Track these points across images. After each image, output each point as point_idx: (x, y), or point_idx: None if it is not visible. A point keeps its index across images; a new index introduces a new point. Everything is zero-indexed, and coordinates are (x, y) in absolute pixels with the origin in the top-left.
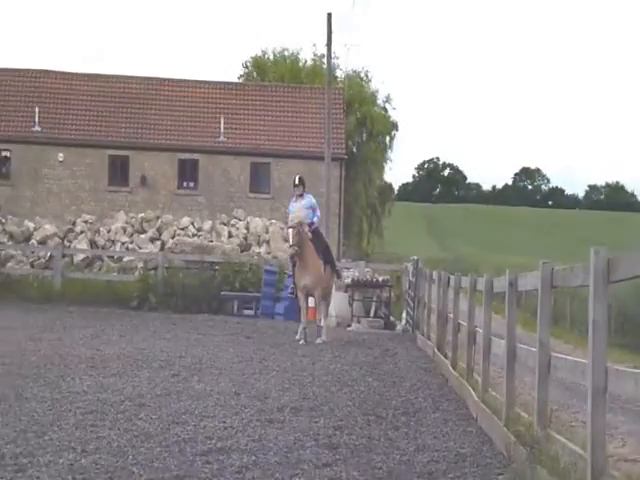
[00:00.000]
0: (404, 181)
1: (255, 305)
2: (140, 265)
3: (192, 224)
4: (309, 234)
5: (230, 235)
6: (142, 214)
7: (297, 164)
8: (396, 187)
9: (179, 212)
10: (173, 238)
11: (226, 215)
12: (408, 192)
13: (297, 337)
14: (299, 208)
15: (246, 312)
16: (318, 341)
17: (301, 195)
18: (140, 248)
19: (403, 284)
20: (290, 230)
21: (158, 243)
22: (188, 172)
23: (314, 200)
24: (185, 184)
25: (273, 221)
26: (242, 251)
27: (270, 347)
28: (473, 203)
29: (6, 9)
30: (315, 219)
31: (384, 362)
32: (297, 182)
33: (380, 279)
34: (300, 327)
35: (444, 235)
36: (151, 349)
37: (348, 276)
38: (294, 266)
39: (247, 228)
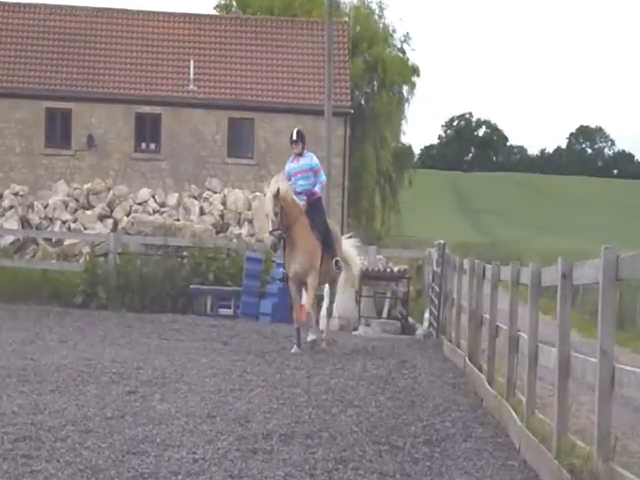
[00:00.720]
0: (427, 143)
1: (234, 302)
2: (86, 250)
3: (153, 198)
4: (303, 204)
5: (202, 212)
6: (88, 184)
7: (288, 120)
8: (417, 151)
9: (136, 182)
10: (128, 216)
11: (197, 186)
12: (432, 157)
13: (293, 350)
14: (295, 171)
15: (223, 311)
16: (310, 337)
17: (300, 154)
18: (86, 228)
19: (425, 276)
20: (269, 202)
21: (109, 222)
22: (148, 131)
23: (317, 160)
24: (144, 146)
25: (257, 194)
26: (217, 233)
27: (254, 356)
28: (516, 171)
29: None
30: (317, 187)
31: (400, 376)
32: (295, 137)
33: (396, 270)
34: (295, 330)
35: (478, 213)
36: (100, 359)
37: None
38: (284, 248)
39: (224, 203)
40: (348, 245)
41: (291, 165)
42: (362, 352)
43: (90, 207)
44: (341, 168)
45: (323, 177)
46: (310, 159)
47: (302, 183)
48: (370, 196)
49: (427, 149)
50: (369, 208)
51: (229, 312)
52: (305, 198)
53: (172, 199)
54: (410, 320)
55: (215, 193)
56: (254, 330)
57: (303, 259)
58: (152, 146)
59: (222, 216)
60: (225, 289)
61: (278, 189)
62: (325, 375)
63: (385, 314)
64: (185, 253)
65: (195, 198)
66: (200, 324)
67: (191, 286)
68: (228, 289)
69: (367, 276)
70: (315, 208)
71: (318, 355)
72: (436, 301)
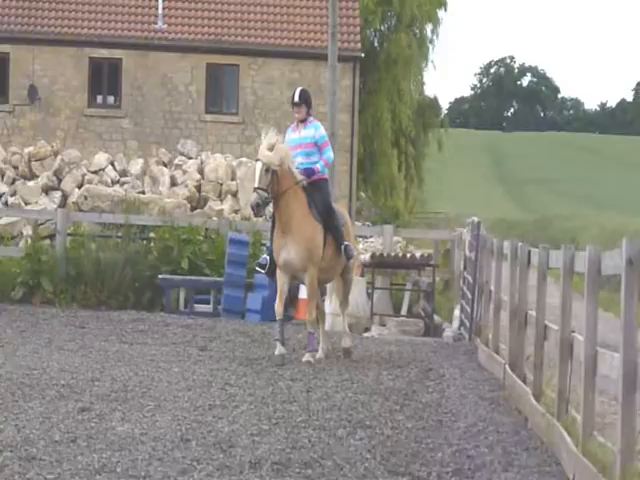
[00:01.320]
0: (458, 95)
1: (214, 297)
2: (27, 232)
3: (112, 165)
4: (300, 178)
5: (173, 183)
6: (30, 148)
7: (282, 66)
8: (445, 105)
9: (90, 145)
10: (80, 188)
11: (167, 150)
12: (464, 113)
13: (276, 352)
14: (295, 144)
15: (200, 308)
16: (306, 358)
17: (303, 121)
18: (27, 204)
19: (455, 263)
20: (257, 164)
21: (56, 195)
22: (105, 80)
23: (323, 131)
24: (100, 100)
25: (244, 159)
26: (193, 209)
27: (238, 364)
28: (569, 131)
29: None
30: (321, 163)
31: (424, 389)
32: (297, 98)
33: (418, 255)
34: (276, 327)
35: (522, 183)
36: (45, 368)
37: (366, 250)
38: (273, 228)
39: (201, 171)
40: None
41: (291, 136)
42: (375, 359)
43: (33, 177)
44: (349, 128)
45: (330, 154)
46: (315, 130)
47: (302, 161)
48: (386, 163)
49: (458, 103)
50: (384, 178)
51: (208, 309)
52: (304, 177)
53: (136, 166)
54: (436, 318)
55: (190, 159)
56: (239, 331)
57: (298, 246)
58: (110, 100)
59: (199, 188)
60: (202, 280)
61: (275, 142)
62: (329, 388)
63: (404, 311)
64: (152, 234)
65: (165, 165)
66: (171, 324)
67: (160, 276)
68: (206, 280)
69: (382, 263)
70: (317, 187)
71: (320, 363)
72: (469, 294)
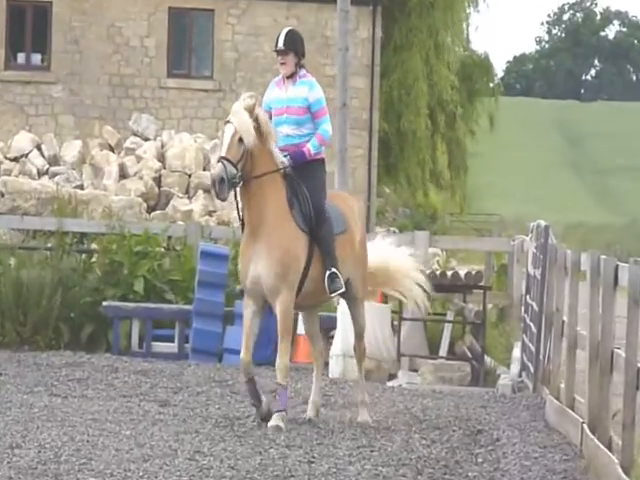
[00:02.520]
0: (518, 51)
1: (180, 331)
2: None
3: (38, 149)
4: (282, 162)
5: (123, 174)
6: None
7: (274, 12)
8: (501, 64)
9: (8, 122)
10: None
11: (114, 129)
12: (527, 76)
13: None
14: (280, 106)
15: (160, 347)
16: (273, 422)
17: (291, 77)
18: None
19: (515, 284)
20: (227, 128)
21: None
22: (29, 32)
23: (320, 92)
24: (22, 59)
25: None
26: (151, 210)
27: (214, 426)
28: None
29: None
30: (315, 141)
31: (471, 460)
32: (282, 43)
33: (463, 273)
34: (244, 382)
35: (607, 172)
36: None
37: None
38: (242, 225)
39: (162, 158)
40: (385, 248)
41: (274, 93)
42: (404, 417)
43: None
44: (367, 97)
45: (327, 127)
46: (309, 88)
47: (288, 132)
48: (418, 145)
49: (517, 63)
50: (416, 166)
51: (171, 348)
52: (288, 158)
53: (72, 151)
54: (487, 361)
55: (146, 140)
56: (214, 380)
57: (268, 259)
58: (35, 59)
59: (158, 180)
60: (164, 308)
61: (255, 104)
62: (339, 458)
63: (444, 351)
64: (94, 245)
65: (112, 150)
66: (121, 369)
67: (104, 303)
68: (169, 308)
69: None
70: (304, 173)
71: (328, 423)
72: (533, 328)
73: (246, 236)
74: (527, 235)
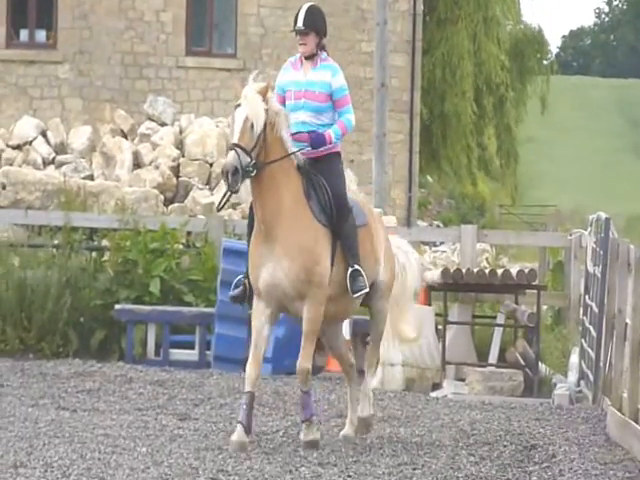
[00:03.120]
0: (575, 25)
1: (201, 337)
2: None
3: (43, 136)
4: (298, 157)
5: (138, 162)
6: None
7: None
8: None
9: (11, 107)
10: None
11: (127, 113)
12: (585, 52)
13: (234, 437)
14: (297, 89)
15: (179, 355)
16: (305, 434)
17: (311, 58)
18: None
19: (572, 282)
20: (238, 112)
21: None
22: (34, 6)
23: (342, 78)
24: (25, 36)
25: None
26: (168, 202)
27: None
28: None
29: None
30: (335, 130)
31: (524, 477)
32: (302, 22)
33: (515, 271)
34: (242, 401)
35: None
36: None
37: (434, 264)
38: (250, 232)
39: (180, 145)
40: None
41: (291, 75)
42: (449, 432)
43: None
44: (407, 77)
45: (351, 117)
46: (332, 73)
47: (305, 118)
48: (463, 131)
49: (574, 38)
50: (461, 153)
51: (191, 356)
52: (306, 146)
53: (80, 137)
54: (542, 368)
55: (163, 126)
56: (239, 391)
57: (288, 261)
58: (40, 36)
59: (177, 170)
60: (183, 312)
61: (267, 87)
62: (377, 477)
63: (494, 357)
64: (105, 242)
65: (125, 136)
66: (136, 379)
67: (117, 307)
68: (189, 311)
69: (459, 284)
70: (321, 165)
71: (365, 438)
72: (593, 331)
73: (258, 232)
74: (586, 229)
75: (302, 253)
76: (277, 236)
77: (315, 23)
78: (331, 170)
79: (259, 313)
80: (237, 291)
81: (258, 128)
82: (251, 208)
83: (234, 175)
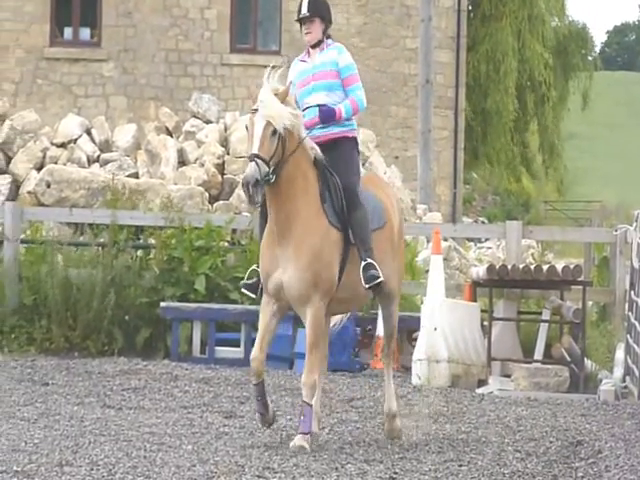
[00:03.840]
0: (619, 20)
1: (247, 335)
2: None
3: (88, 134)
4: (314, 147)
5: (182, 160)
6: None
7: None
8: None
9: (55, 105)
10: (41, 170)
11: (172, 111)
12: (629, 47)
13: (296, 443)
14: (306, 75)
15: (224, 352)
16: (297, 442)
17: (318, 45)
18: None
19: (618, 278)
20: (258, 119)
21: (3, 182)
22: (76, 3)
23: (349, 57)
24: (70, 34)
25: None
26: (214, 200)
27: (285, 439)
28: None
29: None
30: (346, 104)
31: (570, 474)
32: (306, 9)
33: (560, 267)
34: (254, 394)
35: None
36: None
37: (480, 260)
38: (262, 226)
39: (225, 142)
40: None
41: (299, 67)
42: (495, 428)
43: None
44: (452, 74)
45: (361, 94)
46: (338, 52)
47: (319, 99)
48: (507, 127)
49: (619, 33)
50: (505, 149)
51: (237, 353)
52: (316, 115)
53: (125, 136)
54: (588, 364)
55: (208, 123)
56: (285, 388)
57: (297, 263)
58: (84, 34)
59: (222, 167)
60: (228, 309)
61: (287, 91)
62: (423, 474)
63: (540, 354)
64: (152, 240)
65: (169, 133)
66: (181, 377)
67: (162, 304)
68: (234, 309)
69: (504, 280)
70: (336, 152)
71: (411, 435)
72: (639, 327)
73: (270, 232)
74: (631, 224)
75: (312, 258)
76: (290, 239)
77: (319, 9)
78: (343, 157)
79: (267, 306)
80: (251, 281)
81: (279, 134)
82: (262, 206)
83: (255, 187)
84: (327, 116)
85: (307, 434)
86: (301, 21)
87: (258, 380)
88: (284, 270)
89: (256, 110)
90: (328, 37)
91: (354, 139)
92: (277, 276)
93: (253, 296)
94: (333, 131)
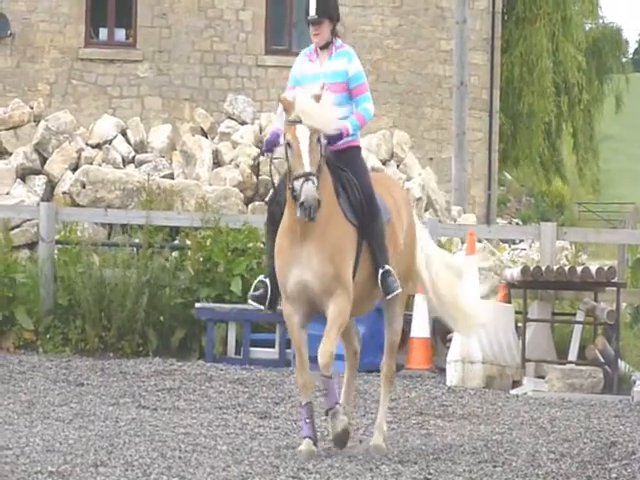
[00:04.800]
0: None
1: (281, 336)
2: None
3: (123, 134)
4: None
5: (217, 161)
6: None
7: None
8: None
9: (90, 106)
10: (76, 170)
11: (207, 112)
12: None
13: (302, 447)
14: (313, 81)
15: (259, 353)
16: (337, 422)
17: (326, 47)
18: None
19: None
20: (301, 131)
21: (39, 182)
22: (113, 5)
23: (358, 65)
24: (105, 35)
25: None
26: (249, 201)
27: (320, 440)
28: None
29: None
30: (352, 119)
31: (604, 475)
32: (315, 11)
33: (594, 269)
34: (303, 414)
35: None
36: (24, 446)
37: (514, 262)
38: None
39: (260, 143)
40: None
41: (306, 66)
42: (529, 429)
43: (2, 154)
44: (486, 75)
45: (369, 105)
46: (347, 60)
47: None
48: (540, 128)
49: None
50: (539, 150)
51: (272, 354)
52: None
53: (160, 136)
54: (622, 366)
55: (243, 124)
56: (319, 389)
57: (319, 258)
58: (120, 35)
59: (257, 168)
60: (264, 312)
61: (323, 87)
62: (458, 475)
63: (574, 355)
64: (187, 242)
65: (204, 134)
66: (216, 378)
67: (197, 305)
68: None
69: (538, 282)
70: (346, 160)
71: (446, 436)
72: None
73: (289, 231)
74: None
75: (333, 252)
76: (313, 235)
77: (327, 10)
78: (355, 166)
79: (292, 319)
80: (258, 292)
81: (323, 140)
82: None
83: (317, 207)
84: (335, 136)
85: (335, 407)
86: (309, 22)
87: (307, 400)
88: (308, 265)
89: (296, 122)
90: (337, 35)
91: (358, 147)
92: (298, 273)
93: (261, 307)
94: (338, 143)
